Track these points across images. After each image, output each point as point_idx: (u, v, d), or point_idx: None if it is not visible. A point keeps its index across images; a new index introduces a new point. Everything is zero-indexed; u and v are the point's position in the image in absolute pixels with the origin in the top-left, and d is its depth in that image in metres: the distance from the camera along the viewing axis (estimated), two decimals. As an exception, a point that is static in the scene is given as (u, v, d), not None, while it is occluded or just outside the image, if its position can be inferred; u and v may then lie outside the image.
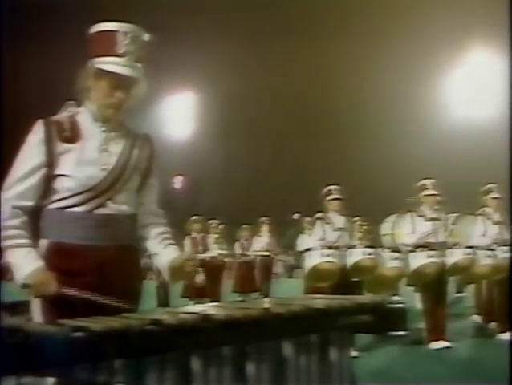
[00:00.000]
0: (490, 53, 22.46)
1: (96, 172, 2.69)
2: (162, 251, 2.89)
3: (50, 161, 2.66)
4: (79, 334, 1.96)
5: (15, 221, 2.65)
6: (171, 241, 2.94)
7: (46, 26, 22.66)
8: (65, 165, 2.67)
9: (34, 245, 2.67)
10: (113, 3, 18.93)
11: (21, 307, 2.87)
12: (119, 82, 2.69)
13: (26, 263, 2.60)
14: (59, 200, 2.68)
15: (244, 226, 12.73)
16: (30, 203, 2.67)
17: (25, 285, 2.57)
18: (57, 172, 2.67)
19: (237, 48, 23.56)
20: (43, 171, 2.67)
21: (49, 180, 2.68)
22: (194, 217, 11.62)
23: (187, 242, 11.17)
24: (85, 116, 2.77)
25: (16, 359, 1.87)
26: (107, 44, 2.66)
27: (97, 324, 2.03)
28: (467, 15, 20.11)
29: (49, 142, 2.67)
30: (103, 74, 2.68)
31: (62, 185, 2.67)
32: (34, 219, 2.70)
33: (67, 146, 2.68)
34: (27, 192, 2.67)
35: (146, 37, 2.75)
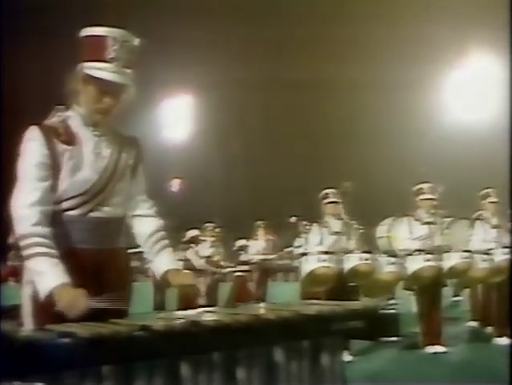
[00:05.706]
0: (490, 57, 22.46)
1: (90, 175, 2.69)
2: (157, 258, 2.87)
3: (55, 164, 2.64)
4: (66, 339, 1.95)
5: (43, 229, 2.56)
6: (165, 242, 2.90)
7: (38, 28, 22.57)
8: (63, 169, 2.65)
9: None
10: (111, 8, 18.89)
11: (11, 312, 2.85)
12: (108, 88, 2.68)
13: (52, 274, 2.49)
14: (55, 204, 2.65)
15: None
16: (49, 207, 2.62)
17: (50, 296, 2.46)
18: (59, 175, 2.64)
19: (235, 52, 23.58)
20: (51, 174, 2.63)
21: (54, 183, 2.64)
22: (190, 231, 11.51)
23: (184, 248, 11.10)
24: (75, 121, 2.75)
25: (4, 365, 1.86)
26: (96, 49, 2.65)
27: (85, 330, 2.03)
28: (467, 20, 20.11)
29: (50, 145, 2.64)
30: (92, 79, 2.67)
31: (59, 189, 2.65)
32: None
33: (65, 148, 2.66)
34: (46, 195, 2.61)
35: (136, 42, 2.73)
